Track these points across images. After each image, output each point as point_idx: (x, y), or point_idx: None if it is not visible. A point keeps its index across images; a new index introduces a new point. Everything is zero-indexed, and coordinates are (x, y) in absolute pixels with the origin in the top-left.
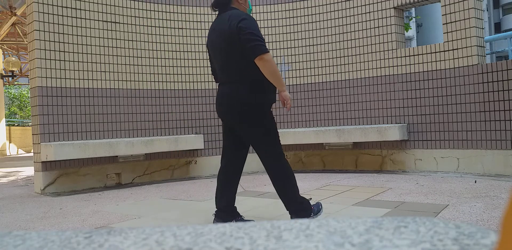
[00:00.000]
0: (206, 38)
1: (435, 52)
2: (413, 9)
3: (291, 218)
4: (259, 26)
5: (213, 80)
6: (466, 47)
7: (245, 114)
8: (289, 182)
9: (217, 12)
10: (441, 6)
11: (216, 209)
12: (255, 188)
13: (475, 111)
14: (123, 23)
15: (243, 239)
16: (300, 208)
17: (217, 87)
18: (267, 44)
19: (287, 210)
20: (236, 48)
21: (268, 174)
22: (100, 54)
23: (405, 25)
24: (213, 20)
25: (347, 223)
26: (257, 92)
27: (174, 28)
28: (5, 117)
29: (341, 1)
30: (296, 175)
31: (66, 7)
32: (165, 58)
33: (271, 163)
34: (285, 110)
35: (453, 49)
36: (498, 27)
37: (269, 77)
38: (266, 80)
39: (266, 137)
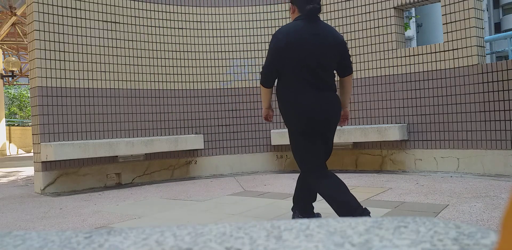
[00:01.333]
0: (291, 40)
1: (435, 52)
2: (413, 9)
3: (294, 217)
4: (258, 27)
5: (213, 80)
6: (466, 47)
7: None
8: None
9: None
10: (441, 6)
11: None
12: (255, 188)
13: (475, 111)
14: (123, 23)
15: (243, 239)
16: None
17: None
18: (266, 44)
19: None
20: (336, 59)
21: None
22: (100, 54)
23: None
24: (287, 24)
25: (347, 223)
26: None
27: (174, 28)
28: (5, 117)
29: (341, 1)
30: (296, 175)
31: (66, 7)
32: (165, 58)
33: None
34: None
35: (453, 49)
36: (498, 27)
37: (349, 93)
38: None
39: None
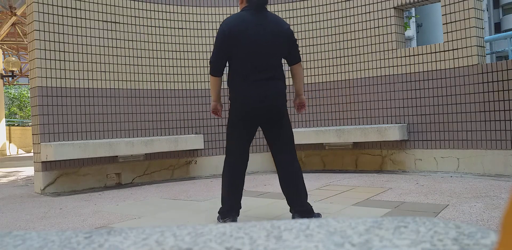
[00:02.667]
0: (233, 28)
1: (435, 52)
2: (413, 8)
3: (295, 217)
4: None
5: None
6: (466, 47)
7: (285, 110)
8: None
9: (239, 8)
10: (441, 6)
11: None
12: (255, 188)
13: (475, 111)
14: (123, 23)
15: (243, 239)
16: (310, 209)
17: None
18: None
19: (299, 209)
20: (284, 49)
21: (290, 168)
22: (100, 54)
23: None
24: (251, 17)
25: (347, 223)
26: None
27: (174, 28)
28: (5, 117)
29: (341, 1)
30: None
31: (66, 7)
32: (165, 58)
33: (295, 159)
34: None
35: (453, 49)
36: (498, 27)
37: (301, 80)
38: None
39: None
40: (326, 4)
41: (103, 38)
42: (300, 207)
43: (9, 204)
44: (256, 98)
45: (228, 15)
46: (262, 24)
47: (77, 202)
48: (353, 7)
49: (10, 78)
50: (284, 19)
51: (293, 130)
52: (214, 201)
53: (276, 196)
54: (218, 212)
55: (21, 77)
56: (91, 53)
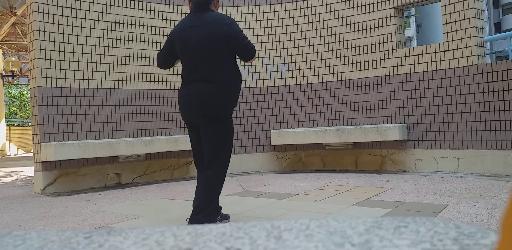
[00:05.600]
0: (173, 30)
1: (435, 52)
2: (413, 8)
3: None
4: (258, 27)
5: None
6: (466, 47)
7: (221, 113)
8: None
9: (183, 9)
10: (441, 6)
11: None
12: (255, 188)
13: (475, 111)
14: (123, 23)
15: (243, 239)
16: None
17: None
18: (266, 44)
19: (203, 212)
20: (220, 49)
21: (209, 170)
22: (100, 54)
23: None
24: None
25: (347, 223)
26: (229, 94)
27: None
28: (5, 117)
29: (341, 1)
30: (296, 175)
31: (66, 7)
32: None
33: (219, 162)
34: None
35: (453, 49)
36: (498, 27)
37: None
38: (233, 84)
39: (226, 136)
40: (326, 4)
41: (103, 38)
42: (194, 215)
43: (9, 204)
44: (185, 100)
45: (228, 15)
46: (195, 25)
47: (77, 202)
48: (353, 7)
49: (10, 78)
50: (284, 19)
51: (293, 130)
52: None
53: (276, 196)
54: (213, 210)
55: (21, 77)
56: (91, 53)
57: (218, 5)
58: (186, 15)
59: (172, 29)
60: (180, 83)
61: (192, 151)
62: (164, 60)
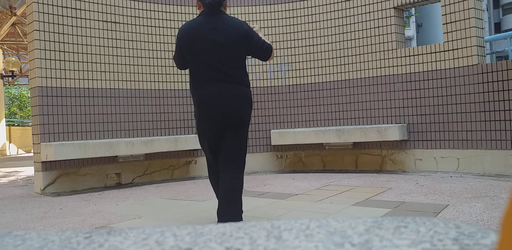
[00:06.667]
0: (186, 32)
1: (435, 52)
2: (413, 8)
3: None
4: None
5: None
6: (466, 47)
7: (248, 116)
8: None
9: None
10: (441, 6)
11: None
12: (255, 188)
13: (475, 111)
14: (123, 23)
15: (243, 239)
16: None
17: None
18: None
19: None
20: (242, 52)
21: (231, 176)
22: (100, 54)
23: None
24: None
25: (347, 223)
26: (251, 96)
27: (174, 28)
28: (5, 117)
29: (341, 1)
30: (296, 175)
31: (66, 7)
32: (165, 58)
33: (235, 175)
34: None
35: (453, 49)
36: (498, 27)
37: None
38: (249, 86)
39: (247, 140)
40: (326, 4)
41: (103, 38)
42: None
43: (9, 204)
44: (213, 101)
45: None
46: (218, 28)
47: (77, 202)
48: (353, 7)
49: (10, 78)
50: (284, 19)
51: (293, 130)
52: (214, 201)
53: (276, 196)
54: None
55: (21, 77)
56: (91, 53)
57: (226, 7)
58: (196, 16)
59: (180, 30)
60: (190, 83)
61: (209, 166)
62: (185, 63)
